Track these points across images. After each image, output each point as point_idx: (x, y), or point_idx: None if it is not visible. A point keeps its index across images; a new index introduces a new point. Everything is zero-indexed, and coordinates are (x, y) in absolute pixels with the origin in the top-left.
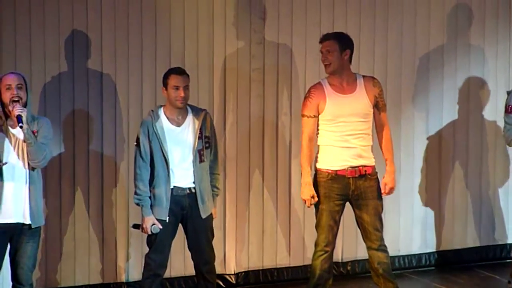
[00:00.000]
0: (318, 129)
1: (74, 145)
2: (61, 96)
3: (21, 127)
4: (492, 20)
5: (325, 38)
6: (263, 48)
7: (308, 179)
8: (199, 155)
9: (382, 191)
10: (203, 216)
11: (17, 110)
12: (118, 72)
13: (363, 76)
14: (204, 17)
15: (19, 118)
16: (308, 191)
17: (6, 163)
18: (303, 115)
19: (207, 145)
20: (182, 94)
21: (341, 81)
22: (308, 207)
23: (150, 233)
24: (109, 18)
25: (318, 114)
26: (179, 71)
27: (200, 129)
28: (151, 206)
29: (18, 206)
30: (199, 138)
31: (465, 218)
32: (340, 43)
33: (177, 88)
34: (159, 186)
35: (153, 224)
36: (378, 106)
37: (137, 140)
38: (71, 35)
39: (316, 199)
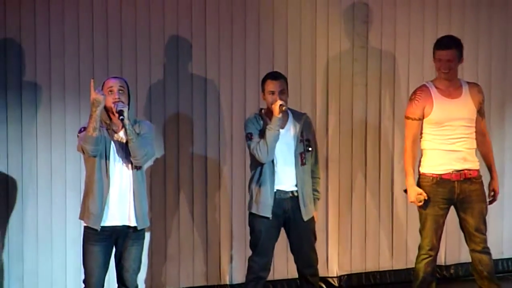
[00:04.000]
0: (421, 133)
1: (178, 148)
2: (165, 99)
3: (122, 119)
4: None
5: (446, 47)
6: (366, 51)
7: (412, 181)
8: (300, 158)
9: (490, 199)
10: (305, 219)
11: (118, 106)
12: (221, 77)
13: (468, 82)
14: (307, 20)
15: (120, 113)
16: (414, 191)
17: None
18: (407, 117)
19: (308, 148)
20: (277, 100)
21: (449, 86)
22: (419, 205)
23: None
24: (213, 22)
25: (423, 117)
26: (275, 76)
27: (301, 132)
28: (255, 202)
29: (123, 209)
30: (300, 141)
31: None
32: (459, 52)
33: (272, 93)
34: (265, 184)
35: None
36: (480, 112)
37: (249, 135)
38: (175, 39)
39: (425, 194)
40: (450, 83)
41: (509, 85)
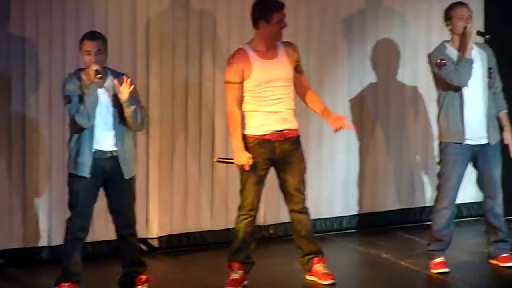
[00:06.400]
0: (243, 96)
1: None
2: None
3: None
4: None
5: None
6: (187, 11)
7: (239, 144)
8: (119, 114)
9: (337, 126)
10: (127, 177)
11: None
12: (40, 35)
13: (282, 42)
14: None
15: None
16: (243, 155)
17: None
18: (227, 82)
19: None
20: (93, 60)
21: (267, 47)
22: (246, 170)
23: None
24: None
25: (243, 80)
26: (91, 36)
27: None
28: (74, 162)
29: None
30: (117, 100)
31: (386, 181)
32: None
33: (89, 53)
34: (84, 144)
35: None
36: (298, 70)
37: (67, 98)
38: None
39: (252, 160)
40: (269, 44)
41: (327, 46)
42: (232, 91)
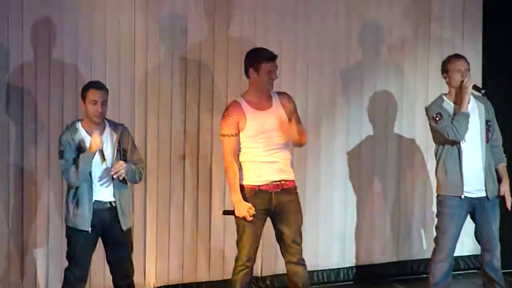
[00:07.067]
0: (240, 147)
1: None
2: None
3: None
4: (411, 35)
5: (274, 59)
6: (185, 62)
7: (238, 195)
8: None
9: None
10: (124, 229)
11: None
12: (38, 82)
13: (277, 93)
14: (125, 32)
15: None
16: (243, 206)
17: None
18: (223, 135)
19: (124, 158)
20: (100, 110)
21: (260, 98)
22: (249, 220)
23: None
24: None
25: (239, 132)
26: (98, 86)
27: (119, 142)
28: (73, 215)
29: None
30: (118, 151)
31: (383, 233)
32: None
33: (94, 102)
34: (83, 197)
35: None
36: (295, 119)
37: (61, 153)
38: None
39: (253, 209)
40: (262, 95)
41: (325, 97)
42: (228, 144)
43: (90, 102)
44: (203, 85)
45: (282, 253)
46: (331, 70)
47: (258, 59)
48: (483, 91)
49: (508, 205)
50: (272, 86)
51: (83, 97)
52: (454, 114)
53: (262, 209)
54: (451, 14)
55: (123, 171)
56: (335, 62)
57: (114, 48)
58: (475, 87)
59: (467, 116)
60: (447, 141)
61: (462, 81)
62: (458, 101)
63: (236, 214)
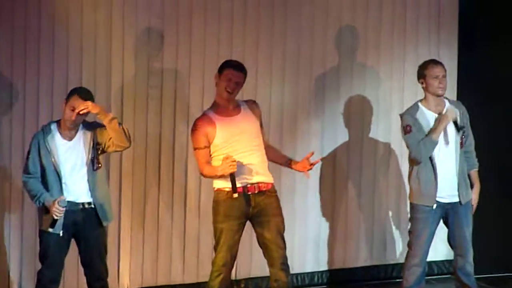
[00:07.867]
0: (211, 155)
1: None
2: None
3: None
4: (387, 41)
5: (240, 69)
6: (161, 66)
7: (216, 164)
8: (92, 163)
9: (305, 168)
10: (105, 224)
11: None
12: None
13: (245, 101)
14: (101, 40)
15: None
16: (224, 163)
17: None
18: (195, 148)
19: (102, 151)
20: (73, 118)
21: (227, 106)
22: (233, 164)
23: (60, 209)
24: None
25: (210, 143)
26: (84, 95)
27: (92, 138)
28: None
29: None
30: (93, 147)
31: (357, 238)
32: (245, 76)
33: (73, 109)
34: (54, 198)
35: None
36: (261, 126)
37: (28, 153)
38: None
39: (232, 156)
40: (229, 104)
41: (301, 102)
42: (201, 155)
43: (69, 107)
44: (179, 88)
45: (265, 257)
46: (307, 74)
47: (223, 65)
48: (461, 127)
49: (471, 212)
50: (228, 94)
51: (67, 99)
52: (426, 135)
53: (240, 213)
54: (427, 20)
55: (90, 107)
56: (311, 66)
57: (90, 49)
58: (455, 123)
59: (435, 143)
60: None
61: (441, 113)
62: (433, 127)
63: (223, 172)
